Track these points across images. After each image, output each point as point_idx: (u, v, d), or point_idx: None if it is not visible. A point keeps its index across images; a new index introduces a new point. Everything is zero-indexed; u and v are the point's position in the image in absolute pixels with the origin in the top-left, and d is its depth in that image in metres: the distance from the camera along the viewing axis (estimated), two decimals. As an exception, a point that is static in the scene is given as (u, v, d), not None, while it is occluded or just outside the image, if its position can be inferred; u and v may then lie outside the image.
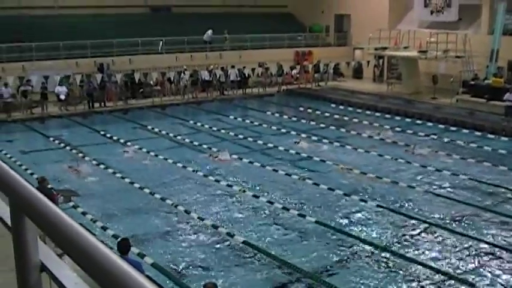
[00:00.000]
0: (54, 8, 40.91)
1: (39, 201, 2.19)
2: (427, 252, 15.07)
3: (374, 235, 16.28)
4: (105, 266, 1.74)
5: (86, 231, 1.95)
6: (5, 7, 38.36)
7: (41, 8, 39.88)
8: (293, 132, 28.71)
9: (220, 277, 13.62)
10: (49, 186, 16.24)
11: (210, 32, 41.71)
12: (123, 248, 10.40)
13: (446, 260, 14.51)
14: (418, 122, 30.91)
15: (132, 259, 11.17)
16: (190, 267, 14.24)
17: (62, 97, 32.97)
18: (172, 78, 37.19)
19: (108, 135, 28.29)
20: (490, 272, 13.91)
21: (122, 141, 27.10)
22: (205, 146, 25.91)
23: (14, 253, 2.43)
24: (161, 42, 39.70)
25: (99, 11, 42.34)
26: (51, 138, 27.78)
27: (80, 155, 24.65)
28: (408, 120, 31.43)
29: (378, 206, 18.33)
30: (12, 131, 30.03)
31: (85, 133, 29.36)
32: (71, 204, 18.09)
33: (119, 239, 11.74)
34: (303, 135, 27.92)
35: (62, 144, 26.63)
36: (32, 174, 21.00)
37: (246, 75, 39.62)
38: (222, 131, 29.44)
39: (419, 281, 13.43)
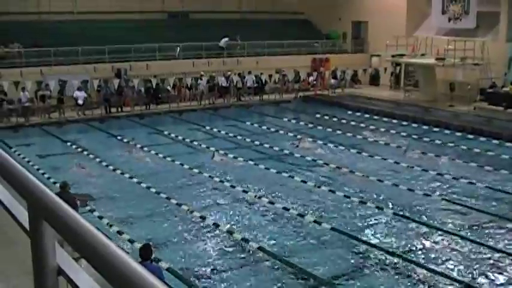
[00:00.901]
0: (72, 13, 41.17)
1: (58, 206, 2.20)
2: (442, 260, 14.98)
3: (389, 242, 16.20)
4: (123, 271, 1.75)
5: (104, 236, 1.96)
6: (24, 12, 38.66)
7: (59, 13, 40.15)
8: (309, 139, 28.67)
9: (234, 283, 13.63)
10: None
11: (226, 39, 41.79)
12: (145, 253, 10.37)
13: (462, 269, 14.41)
14: (435, 129, 30.73)
15: (153, 265, 11.17)
16: (205, 273, 14.24)
17: (80, 102, 33.20)
18: (189, 84, 37.28)
19: (125, 140, 28.37)
20: (506, 281, 13.81)
21: (139, 145, 27.20)
22: (221, 152, 25.93)
23: (32, 257, 2.45)
24: (178, 48, 39.81)
25: (117, 17, 42.55)
26: (68, 143, 27.92)
27: (97, 159, 24.77)
28: (425, 127, 31.28)
29: (394, 213, 18.27)
30: (30, 135, 30.25)
31: (102, 138, 29.47)
32: (87, 208, 18.17)
33: (141, 245, 11.74)
34: (320, 142, 27.90)
35: (79, 149, 26.75)
36: (49, 178, 21.14)
37: (263, 81, 39.65)
38: (239, 137, 29.47)
39: (435, 290, 13.37)
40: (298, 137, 25.59)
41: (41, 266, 2.40)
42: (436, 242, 16.23)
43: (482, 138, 28.44)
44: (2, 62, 34.55)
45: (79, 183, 20.86)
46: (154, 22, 44.66)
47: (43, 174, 21.85)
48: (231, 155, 25.36)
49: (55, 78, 33.41)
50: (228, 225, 17.24)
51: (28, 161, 23.86)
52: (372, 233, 17.01)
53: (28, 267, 2.54)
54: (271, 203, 19.30)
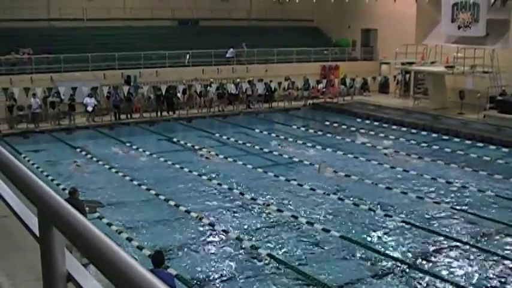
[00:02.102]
0: (83, 20, 41.34)
1: (67, 212, 2.21)
2: (452, 268, 14.92)
3: (398, 250, 16.16)
4: (131, 277, 1.76)
5: (113, 242, 1.97)
6: (35, 19, 38.83)
7: (70, 20, 40.31)
8: (318, 147, 28.65)
9: (243, 290, 13.63)
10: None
11: (231, 50, 41.87)
12: (157, 260, 10.37)
13: (471, 277, 14.36)
14: (445, 137, 30.66)
15: (165, 272, 11.16)
16: (214, 280, 14.24)
17: (89, 109, 33.31)
18: (198, 91, 37.36)
19: (134, 147, 28.44)
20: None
21: (147, 152, 27.27)
22: (230, 160, 25.95)
23: (41, 262, 2.46)
24: (188, 55, 39.90)
25: (127, 24, 42.73)
26: (78, 149, 27.99)
27: (106, 166, 24.84)
28: (434, 135, 31.21)
29: (403, 221, 18.21)
30: (40, 141, 30.37)
31: (111, 144, 29.54)
32: (96, 215, 18.20)
33: (154, 252, 11.73)
34: (328, 149, 27.92)
35: (89, 155, 26.81)
36: (58, 184, 21.21)
37: (273, 89, 39.68)
38: (248, 144, 29.48)
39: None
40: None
41: (50, 272, 2.42)
42: (445, 250, 16.16)
43: (491, 147, 28.35)
44: (13, 69, 34.70)
45: (88, 190, 20.92)
46: (164, 29, 44.83)
47: (52, 180, 21.92)
48: (239, 162, 25.39)
49: (65, 84, 33.52)
50: (237, 232, 17.24)
51: (37, 167, 23.92)
52: (381, 241, 16.96)
53: (37, 273, 2.55)
54: (280, 210, 19.28)
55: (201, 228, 17.75)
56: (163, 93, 35.90)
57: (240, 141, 30.15)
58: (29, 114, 32.20)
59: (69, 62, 35.73)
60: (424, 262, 15.35)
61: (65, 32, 40.23)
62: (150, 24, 43.85)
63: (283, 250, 16.12)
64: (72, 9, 40.10)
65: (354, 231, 17.52)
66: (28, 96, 32.15)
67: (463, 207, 19.64)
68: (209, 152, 27.54)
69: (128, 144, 29.02)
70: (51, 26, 40.62)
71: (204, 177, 23.22)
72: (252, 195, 20.93)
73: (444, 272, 14.66)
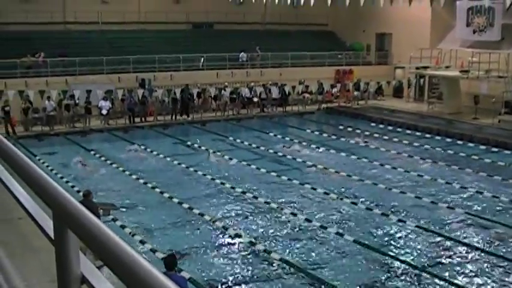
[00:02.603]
0: (98, 23, 41.52)
1: (82, 214, 2.23)
2: (465, 274, 14.85)
3: (412, 255, 16.10)
4: (145, 280, 1.77)
5: (127, 244, 1.98)
6: (50, 22, 39.05)
7: (85, 24, 40.50)
8: (332, 151, 28.61)
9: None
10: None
11: (243, 53, 41.93)
12: (169, 263, 10.39)
13: (485, 283, 14.29)
14: (459, 142, 30.51)
15: (178, 275, 11.18)
16: (227, 283, 14.24)
17: (104, 112, 33.43)
18: (213, 95, 37.41)
19: (149, 150, 28.51)
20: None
21: (161, 155, 27.33)
22: (244, 163, 25.97)
23: (56, 265, 2.47)
24: (202, 59, 39.98)
25: (141, 27, 42.88)
26: (92, 152, 28.08)
27: (120, 169, 24.93)
28: (449, 140, 31.07)
29: (416, 226, 18.14)
30: (54, 144, 30.50)
31: (125, 147, 29.62)
32: (110, 217, 18.26)
33: (166, 255, 11.75)
34: (342, 154, 27.88)
35: (103, 158, 26.90)
36: (72, 187, 21.30)
37: (287, 92, 39.69)
38: (262, 147, 29.49)
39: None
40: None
41: (65, 274, 2.43)
42: (458, 256, 16.08)
43: (506, 152, 28.19)
44: (28, 71, 34.91)
45: (102, 192, 21.00)
46: (179, 33, 44.97)
47: (67, 182, 22.02)
48: (253, 166, 25.41)
49: (80, 87, 33.68)
50: (250, 236, 17.24)
51: (51, 170, 24.02)
52: (394, 245, 16.91)
53: (52, 275, 2.57)
54: (294, 214, 19.27)
55: (214, 232, 17.79)
56: (178, 96, 35.96)
57: (253, 145, 30.16)
58: (43, 117, 32.36)
59: (84, 65, 35.93)
60: (437, 267, 15.29)
61: (80, 36, 40.47)
62: (164, 27, 44.00)
63: (296, 254, 16.10)
64: (88, 13, 40.28)
65: (367, 236, 17.47)
66: (43, 98, 32.32)
67: (477, 213, 19.53)
68: (222, 155, 27.54)
69: (142, 147, 29.09)
70: (66, 29, 40.82)
71: (217, 180, 23.24)
72: (266, 198, 20.92)
73: (457, 278, 14.59)
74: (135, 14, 42.70)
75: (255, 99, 38.76)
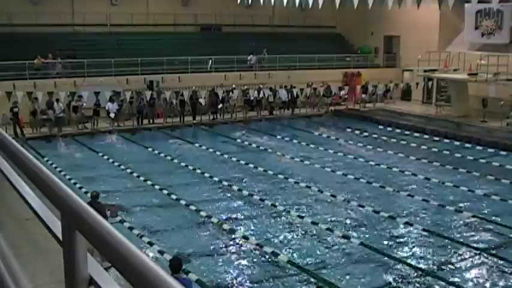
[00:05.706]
0: (106, 25, 41.61)
1: (91, 216, 2.24)
2: (472, 278, 14.83)
3: (418, 258, 16.08)
4: (153, 282, 1.78)
5: (136, 246, 1.99)
6: (59, 24, 39.15)
7: (93, 26, 40.59)
8: (340, 154, 28.58)
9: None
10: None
11: (251, 56, 41.98)
12: (175, 266, 10.41)
13: (493, 287, 14.25)
14: (467, 145, 30.45)
15: (183, 278, 11.20)
16: (234, 286, 14.25)
17: (112, 115, 33.46)
18: (221, 97, 37.47)
19: (156, 152, 28.54)
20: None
21: (169, 158, 27.37)
22: (251, 165, 25.97)
23: (64, 266, 2.48)
24: (210, 61, 40.02)
25: (150, 29, 42.93)
26: (100, 154, 28.12)
27: (128, 170, 24.96)
28: (457, 143, 31.00)
29: (423, 229, 18.11)
30: (63, 146, 30.56)
31: (133, 149, 29.68)
32: (118, 218, 18.29)
33: (172, 258, 11.77)
34: (350, 156, 27.85)
35: (111, 160, 26.94)
36: (80, 188, 21.35)
37: (295, 95, 39.70)
38: (269, 150, 29.49)
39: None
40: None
41: (72, 276, 2.44)
42: (465, 260, 16.06)
43: (515, 155, 28.14)
44: (37, 73, 35.00)
45: (109, 193, 21.04)
46: (187, 35, 45.04)
47: (75, 184, 22.06)
48: (260, 169, 25.40)
49: (88, 89, 33.76)
50: (257, 238, 17.24)
51: (60, 171, 24.07)
52: (401, 248, 16.88)
53: (59, 277, 2.57)
54: (300, 216, 19.26)
55: (222, 234, 17.79)
56: (186, 99, 35.99)
57: (261, 148, 30.16)
58: (52, 119, 32.43)
59: (92, 67, 35.98)
60: (444, 271, 15.26)
61: (89, 37, 40.54)
62: (173, 30, 44.13)
63: (303, 256, 16.09)
64: (96, 15, 40.38)
65: (374, 239, 17.45)
66: (47, 104, 32.34)
67: (485, 216, 19.48)
68: (231, 158, 27.56)
69: (149, 149, 29.13)
70: (75, 31, 40.92)
71: (224, 182, 23.24)
72: (273, 201, 20.91)
73: (465, 281, 14.55)
74: (143, 16, 42.77)
75: (263, 102, 38.73)
